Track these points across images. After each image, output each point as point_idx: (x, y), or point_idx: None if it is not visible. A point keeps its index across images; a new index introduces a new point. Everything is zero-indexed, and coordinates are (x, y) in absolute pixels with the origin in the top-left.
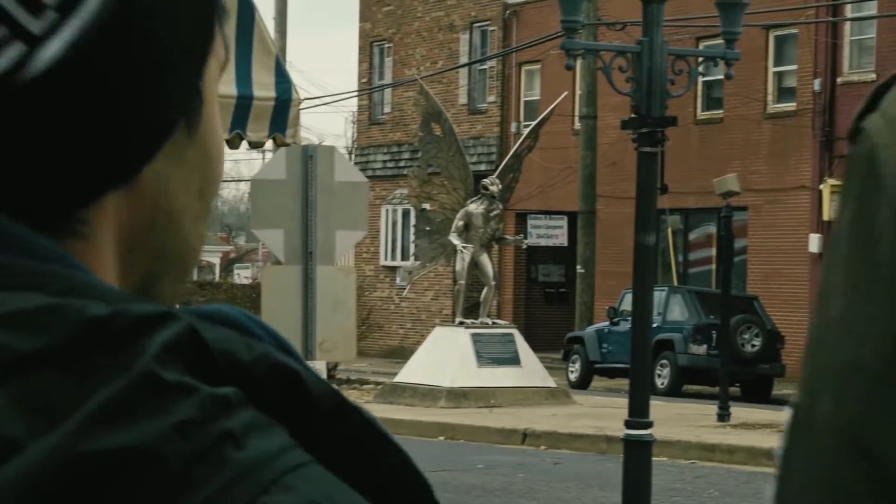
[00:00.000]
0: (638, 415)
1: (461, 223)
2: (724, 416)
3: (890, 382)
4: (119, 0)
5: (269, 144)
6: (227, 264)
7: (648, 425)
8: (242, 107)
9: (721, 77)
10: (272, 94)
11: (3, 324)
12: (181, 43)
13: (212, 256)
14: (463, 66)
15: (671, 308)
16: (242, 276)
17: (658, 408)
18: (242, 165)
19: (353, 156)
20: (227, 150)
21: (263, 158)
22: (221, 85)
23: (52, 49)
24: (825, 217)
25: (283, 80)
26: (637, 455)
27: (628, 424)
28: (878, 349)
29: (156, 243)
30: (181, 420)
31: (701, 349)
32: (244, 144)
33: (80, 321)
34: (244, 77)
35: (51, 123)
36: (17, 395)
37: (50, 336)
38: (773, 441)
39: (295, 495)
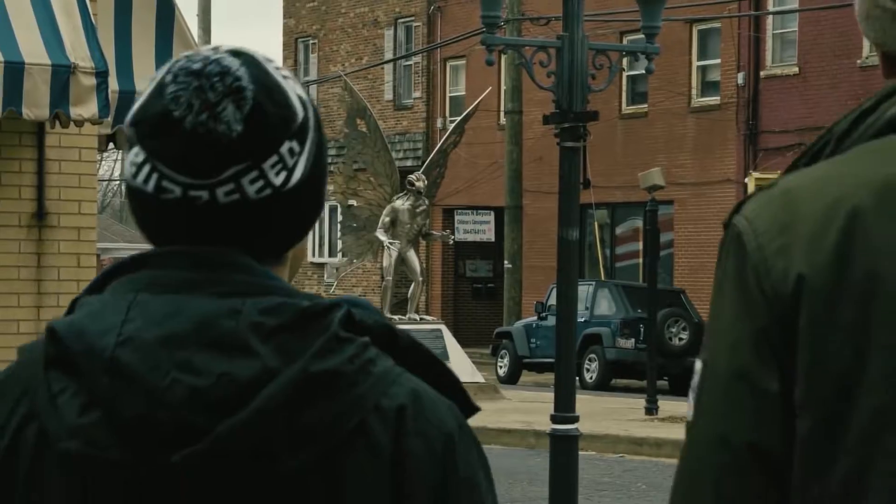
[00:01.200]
0: (564, 409)
1: (388, 219)
2: (651, 409)
3: (759, 345)
4: (318, 139)
5: None
6: None
7: (574, 420)
8: None
9: (644, 72)
10: None
11: (263, 312)
12: (326, 160)
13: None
14: (388, 62)
15: (599, 302)
16: None
17: (586, 402)
18: None
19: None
20: None
21: None
22: (142, 82)
23: (298, 172)
24: None
25: None
26: (564, 449)
27: (554, 419)
28: (751, 332)
29: (294, 269)
30: (350, 355)
31: (629, 343)
32: None
33: (298, 309)
34: None
35: (300, 207)
36: (274, 346)
37: (285, 317)
38: None
39: (403, 388)
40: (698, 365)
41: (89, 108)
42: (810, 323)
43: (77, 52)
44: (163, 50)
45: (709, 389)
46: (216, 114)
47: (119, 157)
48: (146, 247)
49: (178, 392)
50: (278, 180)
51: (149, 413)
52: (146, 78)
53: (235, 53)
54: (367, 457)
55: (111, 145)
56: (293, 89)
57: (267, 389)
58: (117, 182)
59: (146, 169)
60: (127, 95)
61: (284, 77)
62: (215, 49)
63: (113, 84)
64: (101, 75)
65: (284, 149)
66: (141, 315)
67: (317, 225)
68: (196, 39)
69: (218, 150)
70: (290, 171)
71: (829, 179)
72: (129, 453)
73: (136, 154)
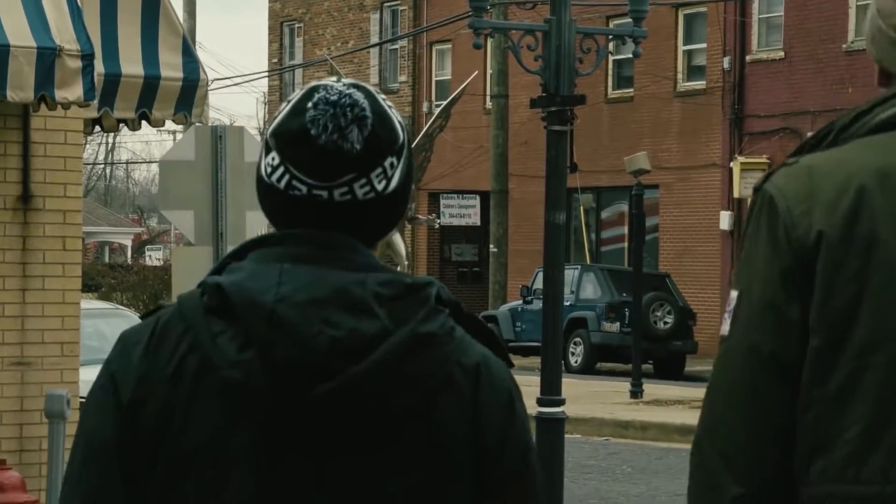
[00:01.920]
0: (550, 392)
1: None
2: (636, 392)
3: (786, 281)
4: (409, 157)
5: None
6: (140, 246)
7: (560, 402)
8: (150, 86)
9: (631, 56)
10: (179, 74)
11: (380, 284)
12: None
13: (124, 238)
14: (374, 45)
15: (584, 286)
16: (154, 257)
17: (572, 385)
18: (154, 147)
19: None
20: (136, 131)
21: (174, 140)
22: (128, 65)
23: (395, 179)
24: (735, 194)
25: (190, 61)
26: (550, 432)
27: (540, 402)
28: (780, 271)
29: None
30: (441, 322)
31: (614, 327)
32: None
33: (406, 284)
34: (151, 58)
35: (393, 208)
36: (388, 311)
37: (397, 289)
38: (685, 417)
39: (475, 350)
40: (734, 294)
41: (75, 91)
42: (825, 267)
43: (63, 34)
44: (149, 33)
45: (744, 311)
46: (345, 135)
47: (103, 141)
48: (128, 230)
49: (322, 341)
50: (380, 187)
51: (300, 356)
52: (132, 61)
53: (359, 88)
54: (454, 400)
55: (97, 128)
56: (396, 117)
57: (385, 344)
58: (102, 165)
59: (280, 171)
60: (113, 78)
61: (390, 107)
62: (346, 84)
63: (99, 67)
64: (87, 58)
65: (387, 163)
66: (291, 281)
67: None
68: (182, 23)
69: (341, 162)
70: (389, 180)
71: (841, 162)
72: (277, 386)
73: (273, 158)
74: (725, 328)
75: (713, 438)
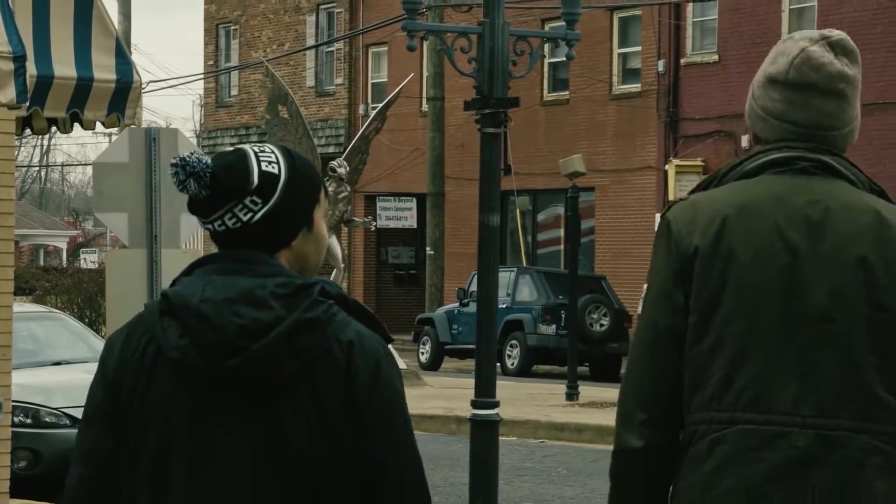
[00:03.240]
0: (484, 395)
1: None
2: (572, 395)
3: (675, 278)
4: (286, 195)
5: (113, 129)
6: (75, 249)
7: (495, 405)
8: (82, 88)
9: (565, 58)
10: (112, 76)
11: (277, 285)
12: (307, 202)
13: (59, 241)
14: (310, 48)
15: (520, 289)
16: (89, 260)
17: (508, 388)
18: (89, 149)
19: (200, 139)
20: (67, 133)
21: (110, 142)
22: (60, 67)
23: (260, 213)
24: (671, 197)
25: (123, 63)
26: (484, 435)
27: (475, 404)
28: (671, 271)
29: (301, 267)
30: (323, 310)
31: (550, 329)
32: (81, 129)
33: (296, 284)
34: (84, 59)
35: (271, 231)
36: (282, 304)
37: (289, 289)
38: None
39: (351, 329)
40: (645, 286)
41: (7, 94)
42: (700, 270)
43: None
44: (81, 34)
45: (649, 298)
46: (186, 187)
47: (38, 143)
48: (64, 233)
49: (232, 328)
50: (245, 218)
51: (216, 339)
52: (65, 63)
53: (237, 150)
54: (332, 368)
55: (27, 130)
56: (260, 167)
57: (278, 328)
58: (37, 168)
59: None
60: (45, 80)
61: (262, 156)
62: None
63: (31, 69)
64: (19, 60)
65: (247, 200)
66: (211, 287)
67: None
68: (116, 25)
69: (199, 205)
70: (255, 213)
71: (715, 198)
72: (204, 361)
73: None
74: (639, 309)
75: (628, 383)
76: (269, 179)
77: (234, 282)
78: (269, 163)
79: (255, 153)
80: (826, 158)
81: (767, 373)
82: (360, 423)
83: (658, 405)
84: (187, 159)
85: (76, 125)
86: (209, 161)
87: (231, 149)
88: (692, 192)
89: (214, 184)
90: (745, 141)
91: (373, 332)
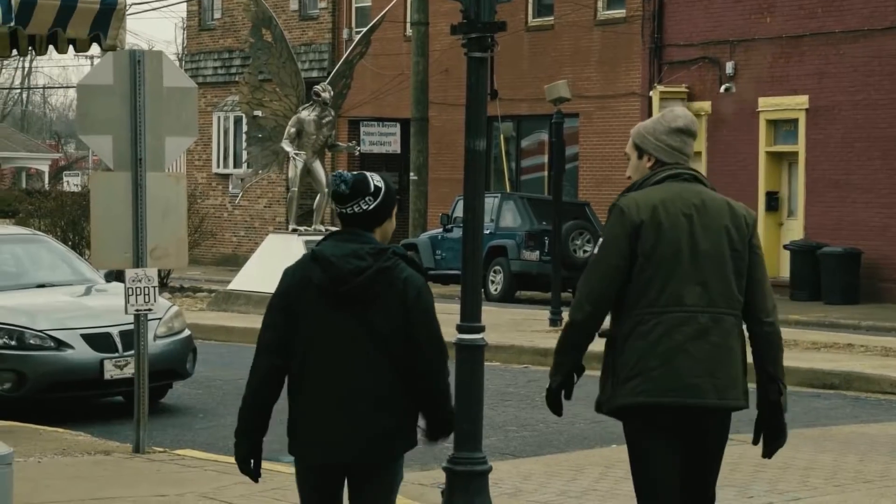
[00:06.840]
0: (469, 319)
1: (293, 130)
2: (556, 321)
3: (626, 241)
4: (383, 199)
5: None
6: (57, 172)
7: (480, 329)
8: (66, 8)
9: None
10: None
11: (370, 249)
12: (390, 205)
13: (41, 164)
14: None
15: (504, 215)
16: (72, 183)
17: (492, 314)
18: (71, 72)
19: (183, 62)
20: (55, 55)
21: (92, 65)
22: None
23: (371, 206)
24: None
25: None
26: (469, 359)
27: (460, 329)
28: (622, 236)
29: (383, 238)
30: (394, 262)
31: (534, 255)
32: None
33: (381, 248)
34: None
35: (374, 217)
36: (372, 259)
37: (376, 250)
38: (601, 344)
39: (407, 272)
40: (601, 240)
41: None
42: (644, 232)
43: None
44: None
45: (605, 244)
46: (339, 188)
47: (19, 65)
48: (46, 156)
49: (346, 270)
50: (365, 207)
51: (338, 274)
52: None
53: (366, 174)
54: (395, 291)
55: (14, 51)
56: (374, 182)
57: (368, 271)
58: (18, 90)
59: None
60: (30, 1)
61: (378, 180)
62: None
63: None
64: None
65: (366, 198)
66: (334, 247)
67: (220, 136)
68: None
69: (343, 197)
70: (369, 205)
71: (647, 195)
72: (332, 286)
73: None
74: (595, 249)
75: (583, 286)
76: (377, 189)
77: (348, 245)
78: (377, 181)
79: (371, 175)
80: (695, 172)
81: (682, 285)
82: (408, 318)
83: (599, 304)
84: (344, 175)
85: (51, 48)
86: (351, 176)
87: (358, 172)
88: (623, 193)
89: (352, 187)
90: (729, 67)
91: (418, 274)
